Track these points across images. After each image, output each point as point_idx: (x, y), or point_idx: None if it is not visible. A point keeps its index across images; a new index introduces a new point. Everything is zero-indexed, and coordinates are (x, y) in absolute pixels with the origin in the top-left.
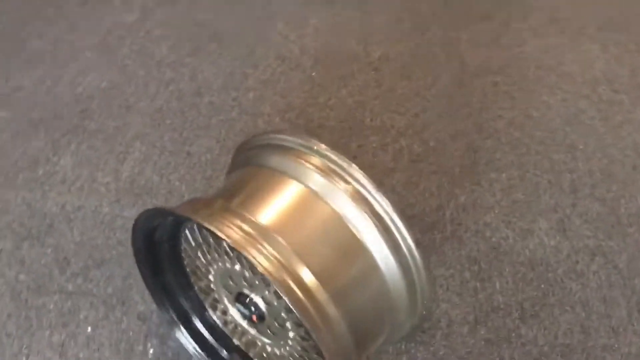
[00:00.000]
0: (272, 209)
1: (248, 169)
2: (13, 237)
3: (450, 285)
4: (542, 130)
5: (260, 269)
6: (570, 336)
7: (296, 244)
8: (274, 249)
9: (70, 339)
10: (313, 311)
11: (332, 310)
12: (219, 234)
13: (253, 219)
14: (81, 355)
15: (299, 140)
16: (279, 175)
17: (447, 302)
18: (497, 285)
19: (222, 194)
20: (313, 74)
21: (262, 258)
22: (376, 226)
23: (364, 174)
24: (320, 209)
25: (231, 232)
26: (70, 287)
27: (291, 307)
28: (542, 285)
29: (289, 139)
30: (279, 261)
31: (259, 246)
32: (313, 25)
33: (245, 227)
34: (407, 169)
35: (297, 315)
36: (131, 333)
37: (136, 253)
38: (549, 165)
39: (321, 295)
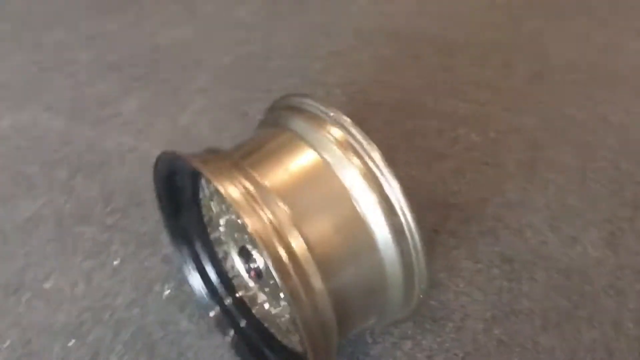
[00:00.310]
0: (281, 172)
1: (271, 129)
2: (69, 167)
3: (475, 279)
4: (616, 138)
5: (249, 229)
6: (592, 354)
7: (296, 212)
8: (271, 212)
9: (98, 268)
10: (297, 281)
11: (317, 283)
12: (220, 188)
13: (259, 179)
14: (104, 284)
15: (325, 109)
16: (297, 141)
17: (467, 295)
18: (526, 288)
19: (238, 150)
20: (385, 51)
21: (256, 219)
22: (382, 208)
23: (381, 154)
24: (330, 181)
25: (232, 189)
26: (108, 221)
27: (273, 273)
28: (574, 297)
29: (316, 106)
30: (273, 226)
31: (257, 207)
32: (397, 3)
33: (249, 186)
34: (459, 157)
35: (278, 283)
36: (153, 273)
37: (157, 193)
38: (615, 175)
39: (309, 266)
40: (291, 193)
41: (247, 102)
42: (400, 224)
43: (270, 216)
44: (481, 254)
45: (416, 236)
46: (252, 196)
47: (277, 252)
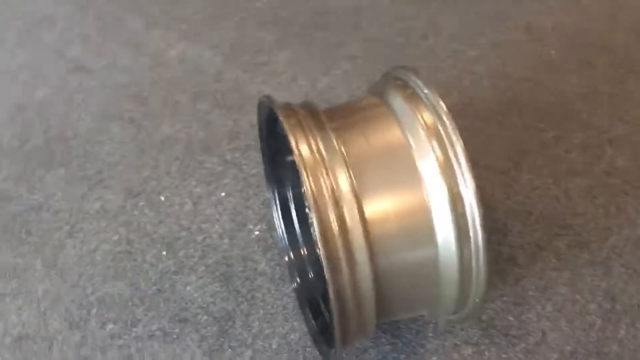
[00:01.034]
0: (359, 143)
1: (370, 98)
2: (212, 102)
3: (567, 308)
4: None
5: (306, 189)
6: None
7: (361, 184)
8: (334, 178)
9: (206, 195)
10: (339, 249)
11: (362, 257)
12: (292, 142)
13: (336, 143)
14: (207, 211)
15: (426, 90)
16: (386, 116)
17: (551, 321)
18: (622, 333)
19: (330, 110)
20: (552, 52)
21: (314, 180)
22: (450, 204)
23: (464, 150)
24: (405, 165)
25: (304, 146)
26: (228, 156)
27: (318, 239)
28: None
29: (418, 84)
30: (331, 191)
31: (322, 169)
32: (585, 6)
33: (322, 146)
34: (596, 178)
35: (320, 249)
36: (250, 212)
37: (260, 136)
38: None
39: (357, 239)
40: (363, 165)
41: None
42: (466, 225)
43: (332, 181)
44: (583, 284)
45: (480, 242)
46: (322, 157)
47: (326, 216)
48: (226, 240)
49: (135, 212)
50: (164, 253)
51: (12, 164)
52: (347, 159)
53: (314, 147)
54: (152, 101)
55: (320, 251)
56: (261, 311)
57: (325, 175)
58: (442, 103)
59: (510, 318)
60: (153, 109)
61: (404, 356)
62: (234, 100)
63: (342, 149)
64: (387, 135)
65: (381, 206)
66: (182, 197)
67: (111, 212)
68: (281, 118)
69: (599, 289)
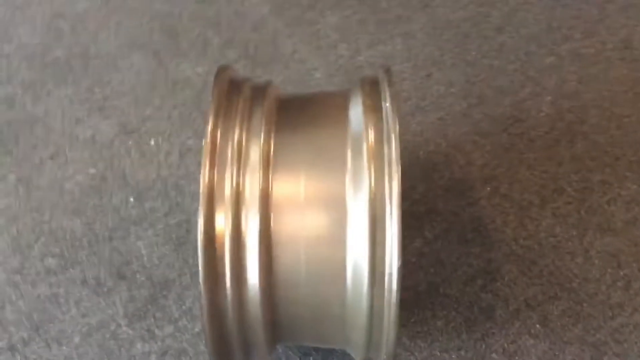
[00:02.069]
0: (293, 145)
1: (337, 96)
2: (242, 51)
3: None
4: None
5: (201, 179)
6: None
7: (277, 192)
8: (243, 177)
9: (196, 151)
10: (228, 265)
11: (253, 279)
12: (207, 122)
13: (262, 139)
14: (190, 167)
15: (388, 104)
16: (341, 122)
17: None
18: None
19: (289, 100)
20: None
21: (213, 172)
22: (369, 249)
23: (398, 182)
24: (334, 177)
25: (221, 132)
26: None
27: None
28: None
29: (385, 96)
30: (235, 190)
31: (232, 164)
32: None
33: (244, 139)
34: (629, 243)
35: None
36: None
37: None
38: None
39: (252, 253)
40: (285, 167)
41: (450, 67)
42: (382, 272)
43: (241, 179)
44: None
45: (393, 295)
46: (240, 149)
47: (214, 214)
48: (197, 205)
49: (121, 150)
50: (131, 200)
51: (29, 70)
52: (270, 157)
53: (235, 135)
54: (182, 38)
55: (199, 258)
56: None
57: (234, 170)
58: (396, 121)
59: None
60: (181, 46)
61: None
62: (264, 54)
63: (270, 146)
64: (327, 144)
65: (291, 222)
66: (172, 145)
67: (98, 144)
68: (213, 91)
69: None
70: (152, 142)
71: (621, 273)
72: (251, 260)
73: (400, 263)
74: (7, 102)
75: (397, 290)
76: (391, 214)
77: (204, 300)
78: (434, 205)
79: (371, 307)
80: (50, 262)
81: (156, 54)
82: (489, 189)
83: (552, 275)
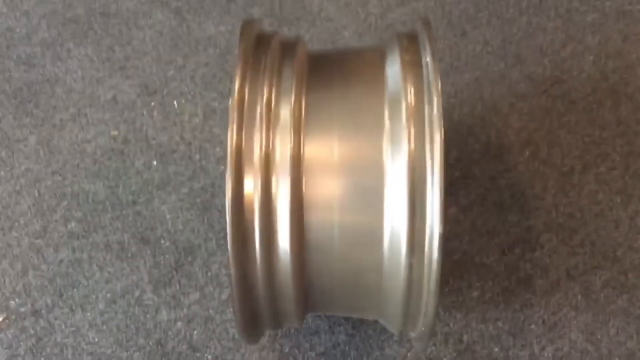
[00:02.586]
0: (327, 106)
1: (372, 51)
2: (267, 8)
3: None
4: None
5: (229, 144)
6: None
7: (309, 155)
8: (273, 140)
9: (220, 113)
10: (258, 230)
11: (285, 244)
12: (234, 81)
13: (292, 99)
14: (214, 129)
15: (429, 59)
16: (376, 80)
17: None
18: None
19: (319, 56)
20: None
21: (241, 136)
22: (408, 214)
23: (442, 139)
24: (372, 137)
25: (248, 91)
26: None
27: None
28: None
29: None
30: (265, 154)
31: (260, 126)
32: None
33: (273, 100)
34: None
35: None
36: None
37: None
38: None
39: (283, 218)
40: (320, 130)
41: (486, 25)
42: (422, 237)
43: (271, 142)
44: (604, 335)
45: (434, 261)
46: (269, 109)
47: (243, 178)
48: (222, 168)
49: (144, 112)
50: (154, 163)
51: (49, 29)
52: (301, 117)
53: (264, 94)
54: None
55: (227, 222)
56: (226, 254)
57: (264, 131)
58: (439, 79)
59: (496, 349)
60: (204, 3)
61: (355, 353)
62: (290, 12)
63: (301, 105)
64: (362, 103)
65: (324, 186)
66: (195, 107)
67: (120, 105)
68: (240, 47)
69: (620, 347)
70: (176, 104)
71: None
72: (282, 225)
73: (442, 230)
74: (27, 61)
75: (438, 260)
76: (432, 178)
77: (232, 267)
78: (469, 171)
79: (409, 276)
80: (73, 226)
81: (178, 12)
82: (527, 153)
83: (594, 244)
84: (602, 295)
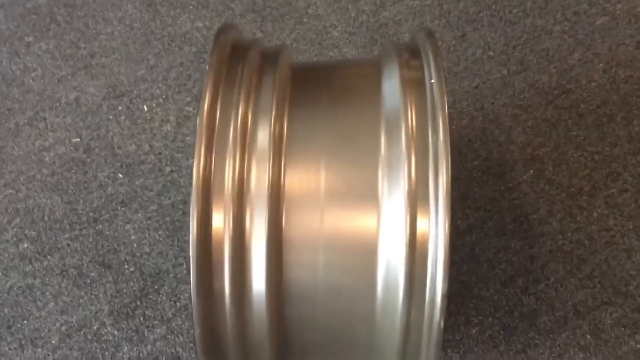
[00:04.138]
0: (311, 124)
1: (366, 65)
2: (249, 4)
3: None
4: None
5: (194, 170)
6: None
7: (290, 183)
8: (248, 165)
9: (195, 118)
10: (228, 274)
11: (259, 283)
12: (203, 96)
13: (272, 117)
14: (187, 138)
15: (434, 80)
16: (371, 97)
17: None
18: None
19: (305, 69)
20: None
21: (209, 160)
22: (406, 252)
23: (448, 169)
24: (366, 165)
25: (220, 108)
26: None
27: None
28: None
29: (430, 67)
30: (238, 182)
31: (234, 150)
32: None
33: (250, 119)
34: None
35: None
36: None
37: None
38: None
39: (259, 259)
40: (302, 154)
41: (487, 26)
42: (423, 276)
43: (245, 168)
44: None
45: (438, 305)
46: (244, 130)
47: (211, 211)
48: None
49: (110, 117)
50: (120, 175)
51: (7, 20)
52: (282, 141)
53: (239, 113)
54: None
55: (190, 267)
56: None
57: (237, 157)
58: (445, 102)
59: None
60: None
61: None
62: (274, 7)
63: (283, 126)
64: (354, 126)
65: (307, 222)
66: (167, 112)
67: (83, 108)
68: (212, 57)
69: None
70: (145, 108)
71: None
72: (256, 270)
73: (447, 285)
74: None
75: (441, 317)
76: (437, 216)
77: (196, 324)
78: (467, 190)
79: (406, 333)
80: (26, 247)
81: (151, 4)
82: (531, 172)
83: (604, 276)
84: (612, 334)
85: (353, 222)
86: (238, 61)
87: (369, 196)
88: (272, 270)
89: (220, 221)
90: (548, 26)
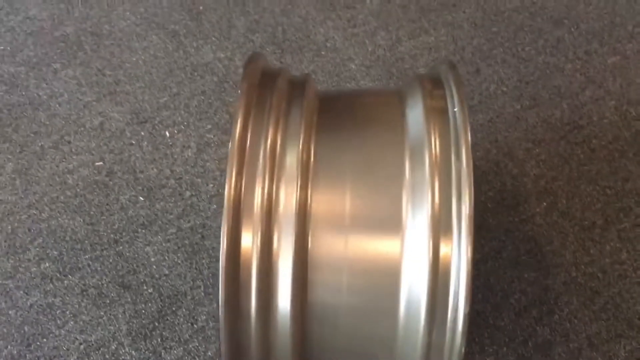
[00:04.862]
0: (338, 153)
1: (390, 94)
2: (269, 36)
3: None
4: None
5: (226, 193)
6: None
7: (317, 206)
8: (277, 189)
9: (216, 145)
10: (255, 291)
11: (284, 303)
12: (234, 123)
13: (300, 145)
14: (208, 164)
15: (457, 109)
16: (395, 127)
17: None
18: None
19: (329, 97)
20: None
21: (240, 183)
22: (429, 277)
23: (472, 196)
24: (390, 190)
25: (250, 136)
26: None
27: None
28: None
29: (453, 98)
30: (267, 204)
31: (264, 174)
32: None
33: (279, 145)
34: None
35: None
36: None
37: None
38: None
39: (285, 280)
40: (330, 182)
41: (500, 63)
42: (445, 302)
43: (274, 192)
44: None
45: (459, 332)
46: (273, 156)
47: (240, 232)
48: (214, 207)
49: (132, 142)
50: (141, 199)
51: (35, 47)
52: (310, 166)
53: (269, 139)
54: (205, 18)
55: (219, 286)
56: (215, 304)
57: (266, 180)
58: (468, 130)
59: None
60: (203, 27)
61: None
62: (294, 40)
63: (310, 152)
64: (379, 152)
65: (333, 245)
66: (188, 138)
67: (107, 133)
68: (243, 84)
69: None
70: (167, 134)
71: None
72: (282, 288)
73: (470, 306)
74: (9, 82)
75: (463, 339)
76: (460, 240)
77: (222, 338)
78: (482, 221)
79: (427, 353)
80: (47, 266)
81: (175, 35)
82: (545, 204)
83: (618, 309)
84: None
85: (377, 245)
86: (267, 88)
87: (392, 220)
88: (297, 290)
89: (249, 241)
90: (560, 64)
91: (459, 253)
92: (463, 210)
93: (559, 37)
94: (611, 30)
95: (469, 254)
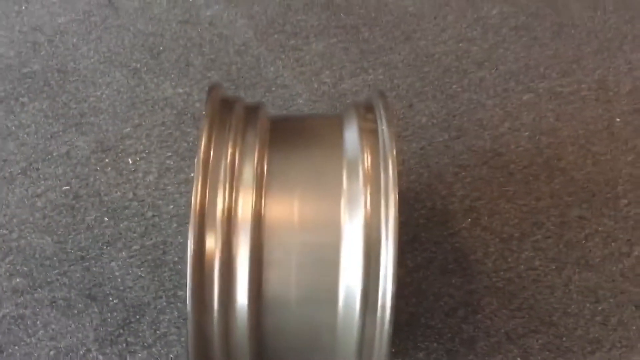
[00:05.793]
0: (286, 167)
1: (331, 117)
2: (225, 73)
3: None
4: None
5: (192, 205)
6: None
7: (269, 214)
8: (236, 200)
9: (175, 171)
10: (217, 286)
11: (243, 299)
12: (200, 143)
13: (255, 159)
14: (168, 188)
15: (385, 128)
16: (335, 145)
17: None
18: None
19: (279, 121)
20: (617, 119)
21: (204, 196)
22: (363, 273)
23: (396, 201)
24: (329, 198)
25: (213, 152)
26: None
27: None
28: None
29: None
30: (227, 214)
31: (224, 186)
32: None
33: (237, 160)
34: (607, 279)
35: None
36: None
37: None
38: None
39: (242, 276)
40: (280, 190)
41: (431, 99)
42: (375, 294)
43: (233, 202)
44: None
45: (387, 319)
46: (232, 169)
47: (204, 238)
48: (174, 226)
49: (97, 168)
50: (106, 219)
51: (3, 82)
52: (263, 177)
53: (229, 154)
54: (164, 57)
55: (187, 280)
56: (176, 313)
57: (227, 189)
58: (394, 146)
59: None
60: (163, 65)
61: None
62: (247, 78)
63: (264, 165)
64: (321, 166)
65: (283, 245)
66: (149, 165)
67: (73, 160)
68: (207, 107)
69: None
70: (130, 161)
71: (599, 308)
72: (241, 284)
73: (394, 290)
74: None
75: (390, 320)
76: (387, 239)
77: (190, 324)
78: (415, 235)
79: (362, 335)
80: (18, 281)
81: (137, 72)
82: (469, 220)
83: (532, 308)
84: (539, 358)
85: (320, 245)
86: (227, 111)
87: (333, 223)
88: (253, 285)
89: (212, 243)
90: (482, 100)
91: (386, 248)
92: (390, 214)
93: (481, 77)
94: (526, 71)
95: (395, 249)
